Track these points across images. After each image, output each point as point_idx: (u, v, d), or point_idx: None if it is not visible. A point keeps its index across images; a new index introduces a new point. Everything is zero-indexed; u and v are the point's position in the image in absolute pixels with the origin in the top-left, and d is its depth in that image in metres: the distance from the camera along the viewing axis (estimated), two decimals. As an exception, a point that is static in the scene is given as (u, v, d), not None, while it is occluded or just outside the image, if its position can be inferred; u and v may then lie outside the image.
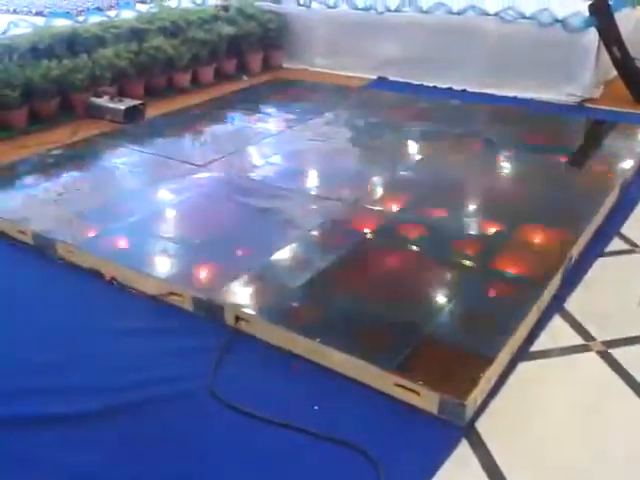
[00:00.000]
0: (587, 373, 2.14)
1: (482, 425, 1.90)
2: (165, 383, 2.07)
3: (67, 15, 5.32)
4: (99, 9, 5.60)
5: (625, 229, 3.05)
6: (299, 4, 6.22)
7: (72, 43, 4.78)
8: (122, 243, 2.85)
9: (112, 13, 5.49)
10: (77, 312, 2.49)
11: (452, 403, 1.89)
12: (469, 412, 1.90)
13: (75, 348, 2.27)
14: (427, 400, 1.93)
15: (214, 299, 2.39)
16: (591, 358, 2.20)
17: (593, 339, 2.28)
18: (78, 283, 2.67)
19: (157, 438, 1.88)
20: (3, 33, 4.75)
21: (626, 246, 2.92)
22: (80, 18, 5.28)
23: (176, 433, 1.90)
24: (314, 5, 6.12)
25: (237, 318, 2.32)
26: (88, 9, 5.58)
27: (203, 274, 2.62)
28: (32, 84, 4.43)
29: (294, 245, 2.79)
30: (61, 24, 5.01)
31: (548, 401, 2.01)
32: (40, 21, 5.08)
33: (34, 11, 5.55)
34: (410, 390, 1.95)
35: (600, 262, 2.78)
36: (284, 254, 2.72)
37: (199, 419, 1.94)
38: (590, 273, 2.69)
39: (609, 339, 2.28)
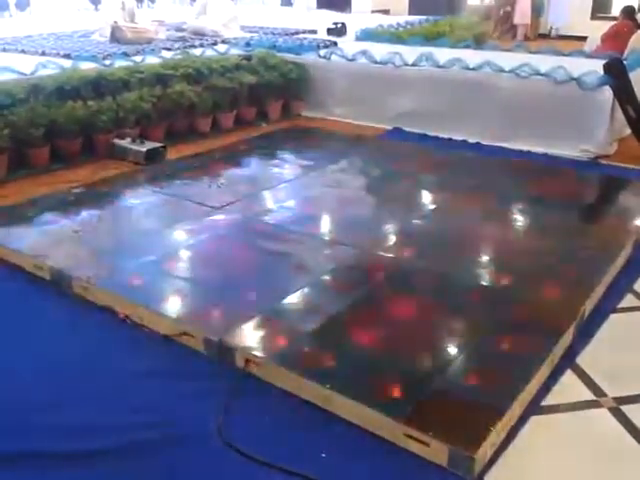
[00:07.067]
0: (598, 429, 2.11)
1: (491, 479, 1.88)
2: (172, 425, 2.07)
3: (94, 59, 5.49)
4: (125, 54, 5.76)
5: (638, 286, 3.04)
6: (319, 56, 6.39)
7: (97, 86, 4.92)
8: (137, 282, 2.88)
9: (138, 58, 5.67)
10: (89, 350, 2.50)
11: (462, 456, 1.87)
12: (479, 466, 1.88)
13: (83, 386, 2.29)
14: (437, 452, 1.91)
15: (225, 341, 2.40)
16: (602, 414, 2.17)
17: (604, 395, 2.26)
18: (92, 320, 2.69)
19: None
20: (32, 73, 4.90)
21: (639, 303, 2.91)
22: (106, 62, 5.45)
23: (182, 476, 1.89)
24: (334, 58, 6.28)
25: (247, 361, 2.33)
26: (115, 53, 5.75)
27: (216, 315, 2.64)
28: (56, 124, 4.54)
29: (306, 289, 2.81)
30: (88, 67, 5.17)
31: (558, 456, 1.98)
32: (68, 63, 5.24)
33: (62, 53, 5.71)
34: (420, 441, 1.94)
35: (613, 318, 2.77)
36: (296, 298, 2.74)
37: (206, 463, 1.93)
38: (602, 329, 2.68)
39: (621, 395, 2.26)
